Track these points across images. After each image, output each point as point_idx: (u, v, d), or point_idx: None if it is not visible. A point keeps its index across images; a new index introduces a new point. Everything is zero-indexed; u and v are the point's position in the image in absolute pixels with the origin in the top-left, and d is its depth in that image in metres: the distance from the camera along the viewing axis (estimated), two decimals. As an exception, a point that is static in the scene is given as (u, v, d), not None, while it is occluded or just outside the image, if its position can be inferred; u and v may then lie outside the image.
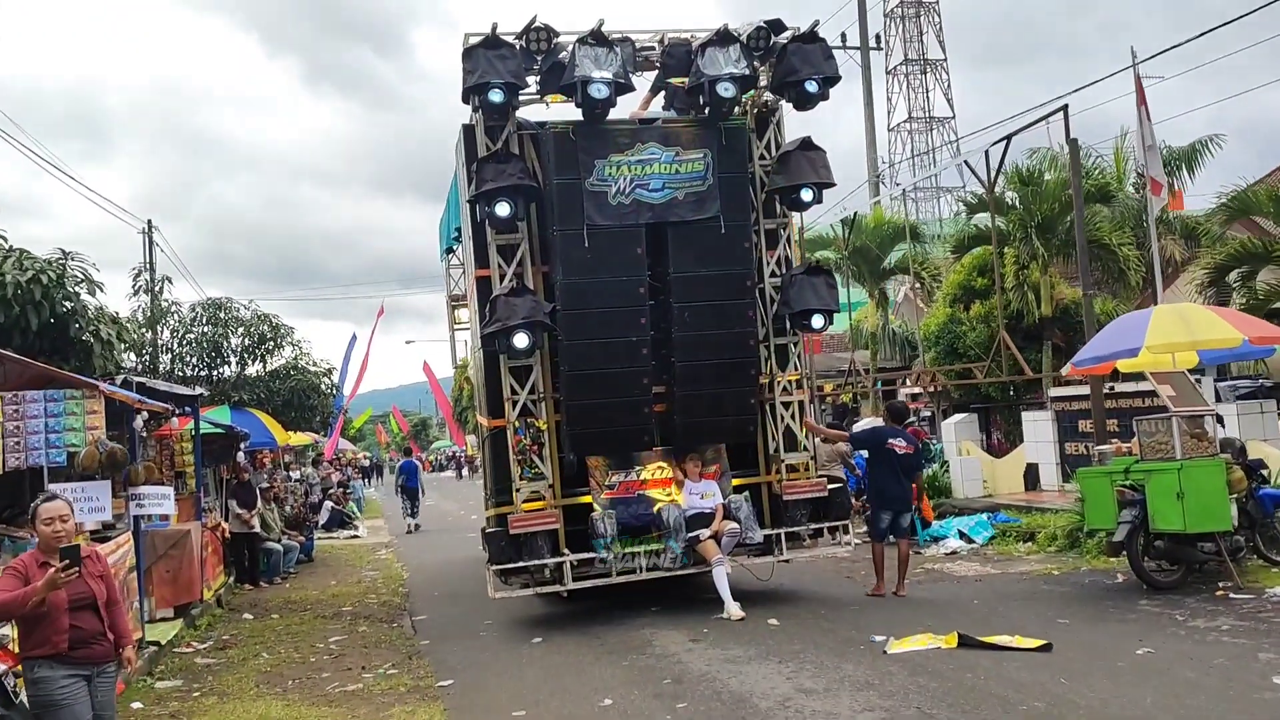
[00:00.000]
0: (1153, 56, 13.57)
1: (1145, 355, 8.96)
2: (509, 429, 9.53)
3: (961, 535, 12.70)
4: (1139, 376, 12.25)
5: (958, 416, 18.20)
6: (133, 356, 17.66)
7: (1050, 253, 17.26)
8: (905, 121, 59.29)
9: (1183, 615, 7.83)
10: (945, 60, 61.48)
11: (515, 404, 9.52)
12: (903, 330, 25.93)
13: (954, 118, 59.79)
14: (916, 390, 25.25)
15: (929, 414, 26.46)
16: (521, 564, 9.35)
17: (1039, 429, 15.20)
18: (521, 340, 9.01)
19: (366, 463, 49.89)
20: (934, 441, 17.97)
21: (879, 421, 11.66)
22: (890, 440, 10.01)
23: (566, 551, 9.51)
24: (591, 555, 9.51)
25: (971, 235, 19.58)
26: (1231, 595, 8.38)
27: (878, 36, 37.08)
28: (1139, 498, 8.97)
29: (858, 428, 12.20)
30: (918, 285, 24.27)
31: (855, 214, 20.97)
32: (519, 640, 8.97)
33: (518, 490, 9.42)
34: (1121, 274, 17.15)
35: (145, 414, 8.97)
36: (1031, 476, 15.13)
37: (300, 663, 8.60)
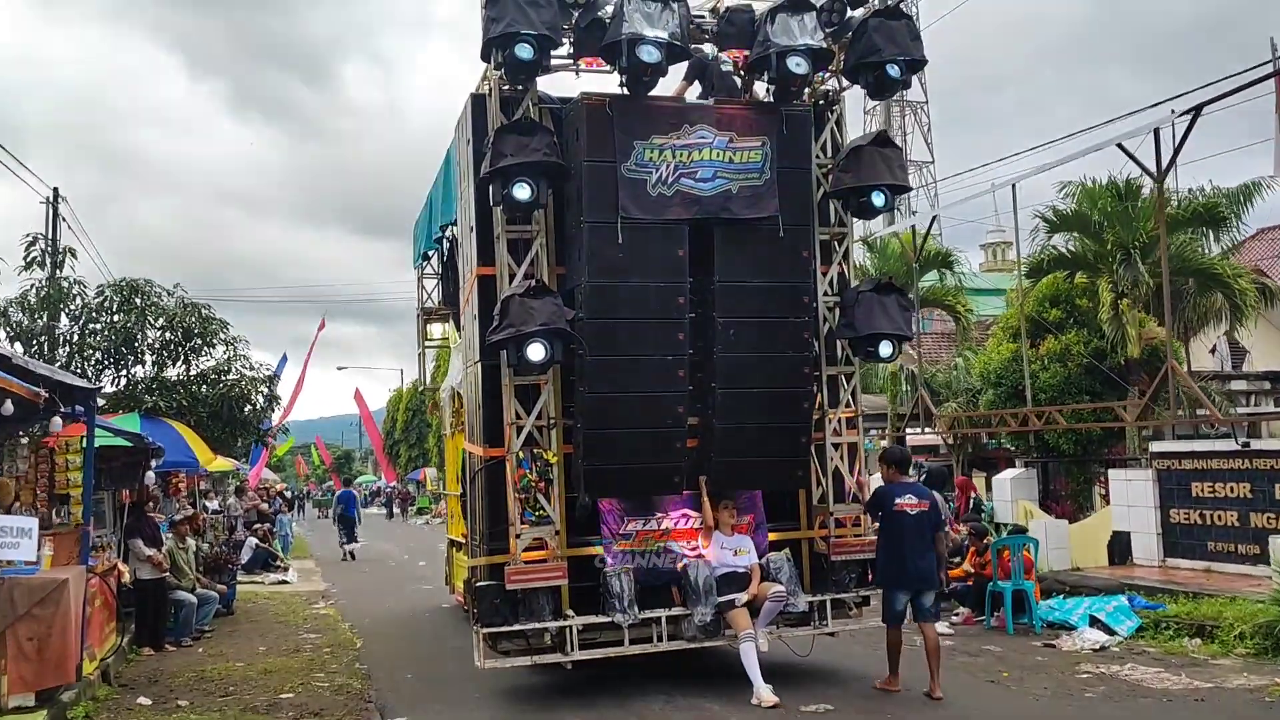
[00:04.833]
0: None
1: None
2: (509, 460, 8.82)
3: (1093, 622, 11.25)
4: None
5: (1012, 472, 17.64)
6: (18, 347, 16.19)
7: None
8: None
9: None
10: (926, 103, 62.09)
11: (520, 430, 8.82)
12: (924, 372, 25.52)
13: (933, 162, 60.35)
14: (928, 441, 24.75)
15: (927, 467, 26.05)
16: (519, 626, 8.64)
17: (1134, 491, 14.36)
18: (537, 352, 8.33)
19: (289, 494, 48.69)
20: (984, 500, 17.46)
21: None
22: (898, 500, 8.88)
23: (571, 613, 8.81)
24: (602, 620, 8.80)
25: (1053, 258, 18.41)
26: None
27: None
28: None
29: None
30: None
31: (897, 234, 20.36)
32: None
33: (518, 536, 8.71)
34: (1235, 310, 16.63)
35: (8, 403, 7.01)
36: (1121, 547, 14.34)
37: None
